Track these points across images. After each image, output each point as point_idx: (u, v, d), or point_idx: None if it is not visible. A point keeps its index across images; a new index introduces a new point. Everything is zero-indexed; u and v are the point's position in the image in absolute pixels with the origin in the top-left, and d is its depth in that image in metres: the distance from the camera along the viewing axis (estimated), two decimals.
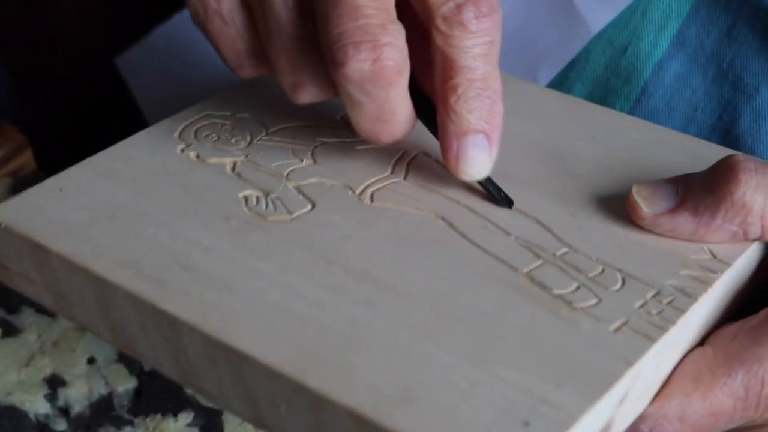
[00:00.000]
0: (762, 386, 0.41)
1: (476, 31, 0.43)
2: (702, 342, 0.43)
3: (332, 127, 0.51)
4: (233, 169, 0.48)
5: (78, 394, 0.54)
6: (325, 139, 0.50)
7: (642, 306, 0.40)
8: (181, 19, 0.69)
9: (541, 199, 0.46)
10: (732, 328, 0.42)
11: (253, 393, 0.39)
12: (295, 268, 0.42)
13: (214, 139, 0.50)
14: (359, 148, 0.49)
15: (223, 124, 0.51)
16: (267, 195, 0.46)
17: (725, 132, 0.55)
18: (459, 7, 0.42)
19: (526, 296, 0.41)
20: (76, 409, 0.53)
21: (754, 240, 0.43)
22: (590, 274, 0.42)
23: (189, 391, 0.53)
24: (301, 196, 0.46)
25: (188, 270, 0.42)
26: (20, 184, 0.63)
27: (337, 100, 0.45)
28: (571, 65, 0.58)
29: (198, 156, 0.49)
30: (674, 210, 0.43)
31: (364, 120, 0.44)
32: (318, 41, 0.43)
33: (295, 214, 0.45)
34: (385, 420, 0.36)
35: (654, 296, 0.41)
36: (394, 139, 0.45)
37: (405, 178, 0.47)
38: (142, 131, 0.50)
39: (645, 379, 0.39)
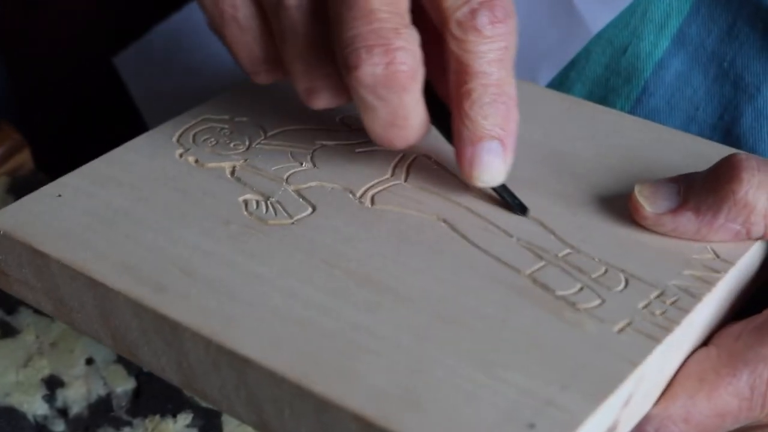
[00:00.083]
0: (767, 386, 0.40)
1: (491, 36, 0.42)
2: (706, 342, 0.42)
3: (331, 130, 0.50)
4: (232, 173, 0.48)
5: (76, 395, 0.53)
6: (324, 142, 0.50)
7: (646, 306, 0.40)
8: (179, 18, 0.69)
9: (543, 200, 0.46)
10: (736, 328, 0.42)
11: (256, 398, 0.39)
12: (296, 272, 0.42)
13: (213, 143, 0.50)
14: (359, 150, 0.49)
15: (222, 128, 0.51)
16: (267, 199, 0.46)
17: (726, 131, 0.55)
18: (473, 12, 0.42)
19: (529, 298, 0.41)
20: (75, 409, 0.53)
21: (757, 239, 0.43)
22: (593, 275, 0.42)
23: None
24: (301, 199, 0.46)
25: (189, 275, 0.42)
26: (18, 183, 0.63)
27: None
28: (571, 65, 0.58)
29: (197, 161, 0.49)
30: (677, 209, 0.43)
31: (378, 125, 0.43)
32: (333, 48, 0.43)
33: (296, 218, 0.45)
34: (390, 423, 0.35)
35: (658, 296, 0.41)
36: (407, 144, 0.44)
37: (405, 180, 0.47)
38: (140, 136, 0.50)
39: (649, 379, 0.39)
